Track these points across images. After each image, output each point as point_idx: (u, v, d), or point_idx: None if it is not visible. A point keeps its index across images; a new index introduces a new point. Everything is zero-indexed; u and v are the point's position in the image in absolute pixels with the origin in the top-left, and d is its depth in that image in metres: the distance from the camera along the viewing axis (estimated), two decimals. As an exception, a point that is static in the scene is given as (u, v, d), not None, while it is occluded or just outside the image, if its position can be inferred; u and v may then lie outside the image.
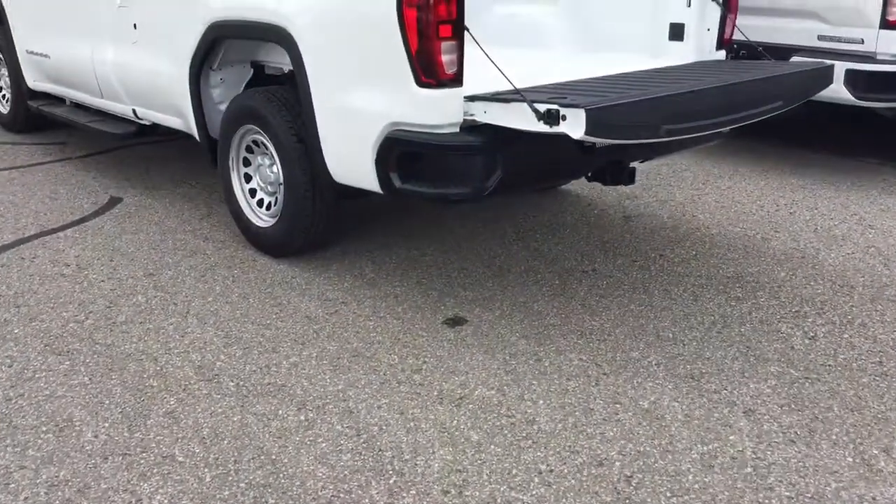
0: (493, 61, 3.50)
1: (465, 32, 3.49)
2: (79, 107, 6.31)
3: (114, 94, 5.64)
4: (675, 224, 5.13)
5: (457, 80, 3.51)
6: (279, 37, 4.03)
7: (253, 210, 4.65)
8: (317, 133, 4.00)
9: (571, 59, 4.87)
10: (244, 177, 4.68)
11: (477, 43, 3.50)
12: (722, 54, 4.67)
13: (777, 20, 6.18)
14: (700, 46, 4.62)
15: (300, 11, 3.93)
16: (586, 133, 3.16)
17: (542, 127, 3.29)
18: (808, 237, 4.93)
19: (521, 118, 3.37)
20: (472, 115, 3.56)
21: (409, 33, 3.47)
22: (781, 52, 6.09)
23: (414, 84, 3.51)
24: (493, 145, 3.55)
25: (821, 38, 5.98)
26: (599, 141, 3.21)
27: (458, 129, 3.57)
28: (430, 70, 3.48)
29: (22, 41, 6.56)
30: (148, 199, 5.56)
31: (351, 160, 3.88)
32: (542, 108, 3.28)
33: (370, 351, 3.59)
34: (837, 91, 5.75)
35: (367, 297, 4.10)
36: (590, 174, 4.28)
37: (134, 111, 5.52)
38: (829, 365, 3.50)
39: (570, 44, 5.16)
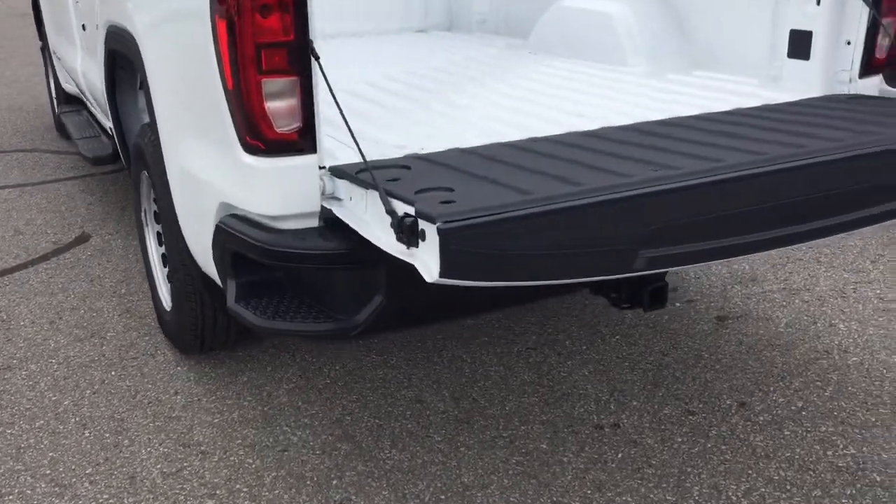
0: (341, 111, 1.98)
1: (315, 63, 2.01)
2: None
3: (95, 107, 4.64)
4: (794, 339, 3.31)
5: (302, 143, 2.05)
6: (130, 48, 2.74)
7: (163, 283, 3.41)
8: (170, 194, 2.69)
9: (646, 82, 3.21)
10: (157, 237, 3.44)
11: (325, 78, 1.99)
12: (871, 83, 2.81)
13: None
14: (831, 69, 2.81)
15: (142, 10, 2.61)
16: (442, 274, 1.61)
17: (396, 246, 1.78)
18: None
19: (372, 219, 1.87)
20: (338, 199, 2.09)
21: (223, 59, 2.04)
22: None
23: (239, 145, 2.10)
24: (370, 253, 2.06)
25: None
26: (477, 284, 1.65)
27: (316, 223, 2.12)
28: (252, 125, 2.04)
29: (50, 41, 5.75)
30: (118, 239, 4.49)
31: (201, 246, 2.53)
32: (400, 208, 1.76)
33: (158, 572, 2.24)
34: None
35: (244, 447, 2.73)
36: (589, 288, 2.61)
37: (110, 129, 4.47)
38: None
39: (651, 57, 3.48)
